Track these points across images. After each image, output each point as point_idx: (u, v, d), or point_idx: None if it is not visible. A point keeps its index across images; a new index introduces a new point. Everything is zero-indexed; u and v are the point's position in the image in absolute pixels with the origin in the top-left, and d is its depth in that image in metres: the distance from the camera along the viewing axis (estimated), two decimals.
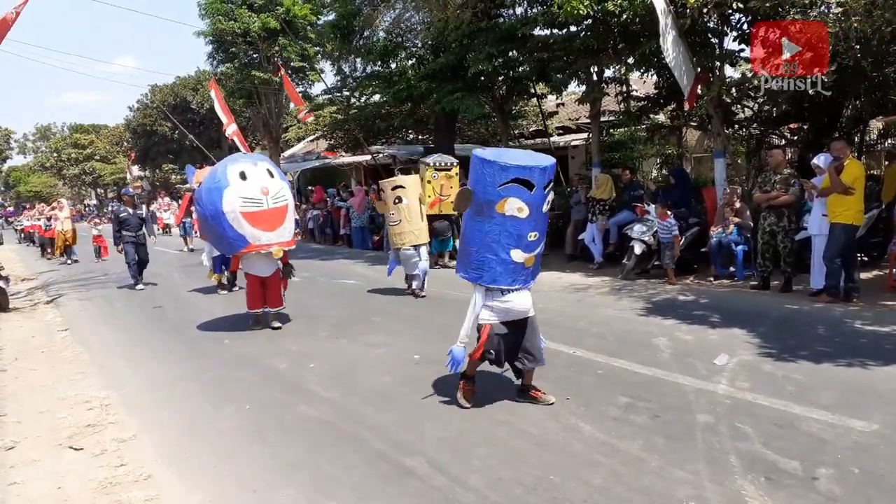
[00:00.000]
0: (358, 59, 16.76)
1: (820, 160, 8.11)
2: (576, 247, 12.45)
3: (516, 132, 19.80)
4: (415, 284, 9.38)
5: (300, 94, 22.52)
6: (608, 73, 13.29)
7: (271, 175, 7.41)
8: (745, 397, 4.58)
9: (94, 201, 63.84)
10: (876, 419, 4.06)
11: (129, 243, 11.60)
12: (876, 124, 13.72)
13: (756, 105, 12.46)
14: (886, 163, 10.62)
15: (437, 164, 11.76)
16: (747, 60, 11.56)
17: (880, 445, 3.71)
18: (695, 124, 13.34)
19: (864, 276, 8.74)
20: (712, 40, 10.67)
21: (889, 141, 13.95)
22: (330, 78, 31.74)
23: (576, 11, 9.86)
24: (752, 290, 8.71)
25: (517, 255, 4.39)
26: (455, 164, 11.93)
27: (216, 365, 6.36)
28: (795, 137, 12.66)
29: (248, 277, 7.80)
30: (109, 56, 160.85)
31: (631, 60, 11.20)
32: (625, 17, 10.05)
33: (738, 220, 9.50)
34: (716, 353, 5.60)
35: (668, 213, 9.71)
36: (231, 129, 20.04)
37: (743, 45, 10.95)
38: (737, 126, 12.84)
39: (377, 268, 12.40)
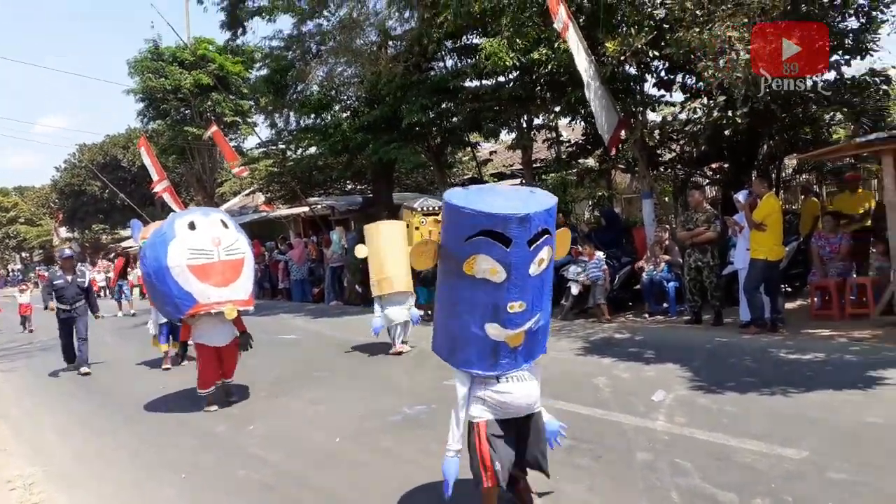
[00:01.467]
0: (292, 113, 16.82)
1: (740, 196, 8.55)
2: None
3: (452, 181, 20.15)
4: (397, 336, 8.68)
5: (234, 149, 22.41)
6: (537, 120, 13.76)
7: (225, 226, 6.70)
8: (683, 432, 4.71)
9: (19, 266, 61.01)
10: (805, 446, 4.22)
11: (64, 320, 9.38)
12: (790, 161, 14.59)
13: (678, 147, 13.08)
14: (802, 197, 11.26)
15: (425, 209, 11.07)
16: (667, 104, 12.23)
17: (811, 472, 3.85)
18: (622, 167, 13.88)
19: (788, 306, 9.15)
20: (633, 87, 11.23)
21: (804, 176, 14.81)
22: (265, 132, 31.69)
23: (502, 62, 10.23)
24: (685, 324, 9.01)
25: (493, 331, 3.31)
26: (440, 206, 11.16)
27: (150, 432, 6.12)
28: (717, 176, 13.30)
29: (200, 350, 6.72)
30: (35, 117, 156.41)
31: (557, 109, 11.65)
32: (550, 66, 10.48)
33: (668, 258, 9.86)
34: (653, 390, 5.74)
35: (595, 251, 10.04)
36: (161, 186, 19.65)
37: (662, 91, 11.58)
38: (662, 168, 13.43)
39: (319, 321, 12.27)
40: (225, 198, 33.40)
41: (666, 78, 11.36)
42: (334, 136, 14.60)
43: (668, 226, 10.92)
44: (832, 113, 10.93)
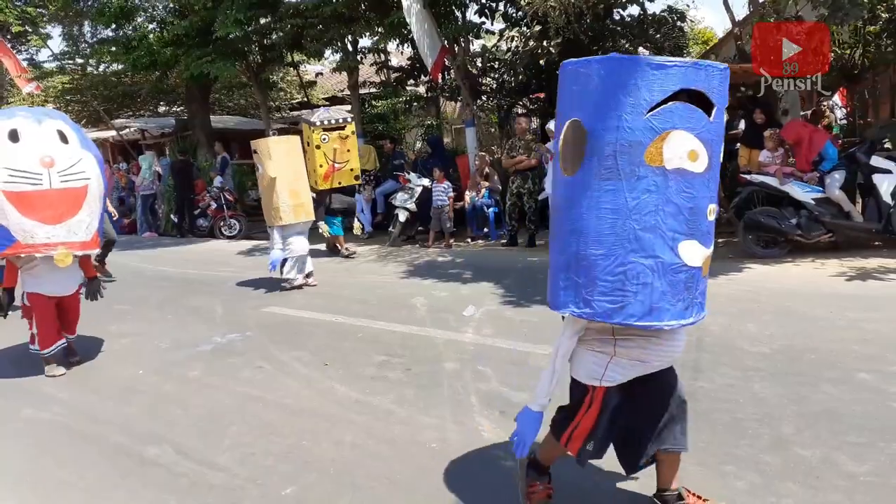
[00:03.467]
0: (88, 23, 14.93)
1: (551, 125, 8.99)
2: None
3: (276, 104, 19.23)
4: (297, 269, 7.53)
5: (23, 62, 19.58)
6: (364, 42, 13.40)
7: (64, 140, 4.94)
8: (487, 342, 4.99)
9: None
10: None
11: None
12: None
13: (499, 76, 13.41)
14: None
15: (326, 123, 8.95)
16: (488, 32, 12.40)
17: None
18: (447, 95, 14.00)
19: None
20: (455, 13, 11.22)
21: None
22: (60, 44, 28.01)
23: None
24: (503, 247, 9.47)
25: (692, 253, 2.26)
26: (350, 120, 9.18)
27: None
28: (535, 106, 13.86)
29: (34, 301, 5.13)
30: None
31: (381, 30, 11.36)
32: None
33: (488, 185, 10.22)
34: (465, 306, 6.00)
35: (444, 179, 10.12)
36: None
37: (484, 19, 11.69)
38: (485, 97, 13.73)
39: (129, 253, 11.34)
40: None
41: (487, 5, 11.47)
42: (139, 49, 13.20)
43: (486, 154, 11.23)
44: (636, 47, 11.70)
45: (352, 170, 9.14)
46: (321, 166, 8.84)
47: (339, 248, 9.60)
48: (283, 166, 7.27)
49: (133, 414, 4.20)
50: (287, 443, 3.58)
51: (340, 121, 9.03)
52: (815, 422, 3.33)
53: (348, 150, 9.04)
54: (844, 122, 10.26)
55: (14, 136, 4.73)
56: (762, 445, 3.14)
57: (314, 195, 8.19)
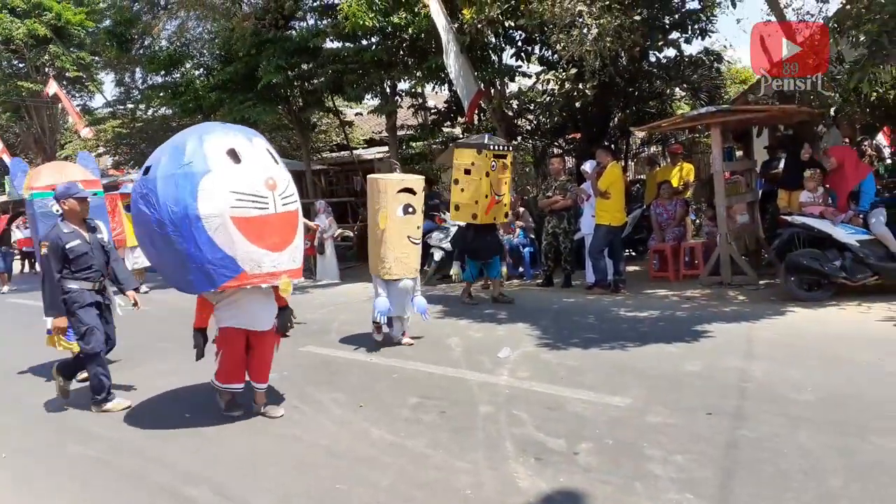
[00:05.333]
0: (139, 70, 15.63)
1: (587, 166, 9.00)
2: None
3: (317, 145, 19.66)
4: (395, 329, 6.57)
5: (77, 108, 20.56)
6: (402, 85, 13.69)
7: (275, 160, 4.58)
8: (523, 385, 4.94)
9: None
10: (630, 394, 4.57)
11: (90, 306, 5.25)
12: (640, 134, 15.55)
13: (535, 117, 13.54)
14: (648, 168, 12.06)
15: (495, 148, 7.86)
16: (524, 75, 12.58)
17: (632, 417, 4.17)
18: None
19: (630, 268, 9.82)
20: (492, 57, 11.43)
21: (652, 148, 15.86)
22: (112, 90, 29.30)
23: (362, 23, 10.04)
24: (538, 287, 9.43)
25: None
26: (510, 148, 8.36)
27: None
28: (571, 147, 13.93)
29: (228, 335, 4.67)
30: None
31: (420, 74, 11.62)
32: (410, 30, 10.42)
33: (522, 224, 10.24)
34: (500, 348, 5.97)
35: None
36: None
37: (520, 62, 11.88)
38: (521, 138, 13.85)
39: (168, 291, 11.58)
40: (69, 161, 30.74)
41: (523, 49, 11.67)
42: (186, 94, 13.73)
43: (518, 196, 11.25)
44: (672, 88, 11.74)
45: (505, 205, 8.16)
46: (486, 197, 7.72)
47: (463, 292, 8.59)
48: (398, 214, 6.25)
49: (176, 452, 4.25)
50: (324, 485, 3.58)
51: (504, 147, 8.10)
52: (862, 475, 3.21)
53: (505, 183, 8.12)
54: (890, 161, 10.07)
55: (234, 155, 4.30)
56: (808, 499, 3.03)
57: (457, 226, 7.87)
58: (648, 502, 3.10)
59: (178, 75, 15.18)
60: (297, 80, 13.53)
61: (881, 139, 10.28)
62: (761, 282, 8.21)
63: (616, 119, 13.07)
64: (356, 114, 20.50)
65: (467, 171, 7.82)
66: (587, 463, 3.58)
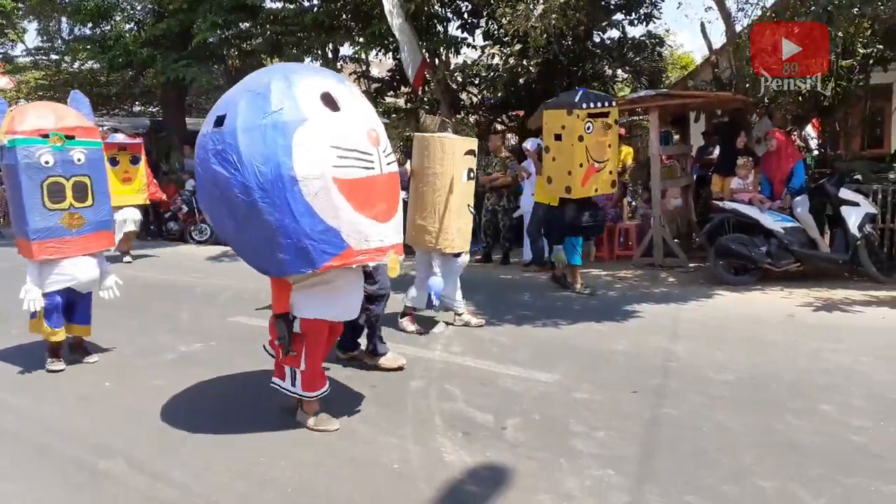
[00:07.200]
0: (65, 19, 14.72)
1: (528, 144, 9.00)
2: None
3: None
4: (459, 307, 5.99)
5: None
6: (344, 51, 13.37)
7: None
8: (456, 360, 4.95)
9: None
10: (558, 370, 4.63)
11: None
12: None
13: (479, 92, 13.46)
14: None
15: (591, 106, 6.58)
16: (470, 46, 12.47)
17: (558, 393, 4.23)
18: (427, 108, 14.02)
19: None
20: (437, 27, 11.26)
21: None
22: (35, 38, 27.59)
23: None
24: (477, 263, 9.43)
25: None
26: (613, 102, 7.12)
27: None
28: (514, 124, 13.94)
29: (312, 327, 3.73)
30: None
31: (363, 40, 11.35)
32: None
33: None
34: (437, 323, 5.95)
35: None
36: None
37: (466, 34, 11.75)
38: (464, 112, 13.77)
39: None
40: None
41: (469, 21, 11.53)
42: (115, 48, 13.02)
43: None
44: (615, 70, 11.86)
45: (610, 172, 6.93)
46: (581, 165, 6.53)
47: (572, 281, 7.39)
48: (463, 179, 5.49)
49: (88, 426, 4.06)
50: (244, 459, 3.48)
51: (606, 104, 6.80)
52: (775, 452, 3.34)
53: (609, 146, 6.79)
54: (817, 152, 10.48)
55: (331, 101, 3.38)
56: (723, 475, 3.13)
57: (553, 207, 6.89)
58: (572, 478, 3.13)
59: (108, 28, 14.37)
60: (235, 40, 13.01)
61: (810, 130, 10.67)
62: (691, 264, 8.45)
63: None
64: None
65: (557, 137, 6.65)
66: (514, 438, 3.60)
